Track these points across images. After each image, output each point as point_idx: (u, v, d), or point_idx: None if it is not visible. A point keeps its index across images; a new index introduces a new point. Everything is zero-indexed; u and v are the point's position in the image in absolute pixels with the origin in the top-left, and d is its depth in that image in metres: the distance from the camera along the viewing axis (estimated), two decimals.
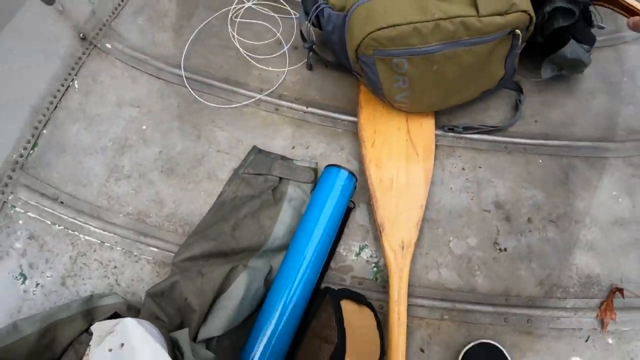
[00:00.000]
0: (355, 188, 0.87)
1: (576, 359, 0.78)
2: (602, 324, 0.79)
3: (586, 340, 0.79)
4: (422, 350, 0.79)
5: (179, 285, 0.75)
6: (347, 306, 0.73)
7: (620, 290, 0.80)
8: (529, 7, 0.80)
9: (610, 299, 0.79)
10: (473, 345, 0.76)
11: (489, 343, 0.76)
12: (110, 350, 0.64)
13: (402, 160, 0.91)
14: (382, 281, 0.84)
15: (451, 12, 0.77)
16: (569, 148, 0.93)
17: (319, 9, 0.89)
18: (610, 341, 0.78)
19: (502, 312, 0.81)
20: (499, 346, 0.75)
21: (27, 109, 0.88)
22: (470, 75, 0.87)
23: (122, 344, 0.64)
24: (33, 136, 0.87)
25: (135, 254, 0.84)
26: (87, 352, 0.69)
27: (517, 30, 0.81)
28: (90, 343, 0.69)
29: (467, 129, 0.95)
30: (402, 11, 0.78)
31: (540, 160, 0.92)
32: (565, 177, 0.90)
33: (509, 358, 0.74)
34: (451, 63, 0.82)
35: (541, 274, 0.83)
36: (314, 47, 0.98)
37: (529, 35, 0.85)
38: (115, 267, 0.83)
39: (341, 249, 0.87)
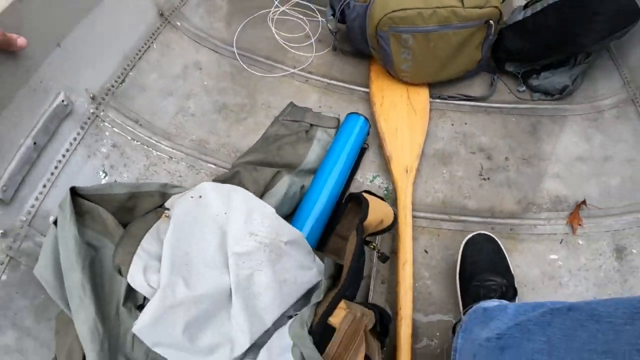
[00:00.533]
0: (369, 132, 1.13)
1: (554, 256, 0.98)
2: (572, 229, 1.01)
3: (560, 242, 1.00)
4: (426, 252, 1.00)
5: (239, 174, 0.96)
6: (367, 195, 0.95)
7: (584, 202, 1.03)
8: (498, 4, 1.12)
9: (577, 209, 1.02)
10: (473, 235, 0.95)
11: (486, 234, 0.94)
12: (191, 197, 0.85)
13: (404, 116, 1.18)
14: (392, 200, 1.07)
15: (445, 3, 1.09)
16: (536, 109, 1.22)
17: (345, 2, 1.20)
18: (580, 242, 1.00)
19: (489, 222, 1.03)
20: (494, 236, 0.93)
21: (121, 55, 1.13)
22: (456, 54, 1.17)
23: (200, 196, 0.85)
24: (122, 74, 1.11)
25: (196, 168, 1.06)
26: (166, 214, 0.89)
27: (491, 21, 1.13)
28: (167, 204, 0.88)
29: (454, 97, 1.24)
30: (410, 2, 1.09)
31: (514, 119, 1.20)
32: (534, 130, 1.18)
33: (501, 245, 0.93)
34: (443, 41, 1.13)
35: (518, 196, 1.07)
36: (336, 36, 1.28)
37: (499, 27, 1.18)
38: (180, 176, 1.04)
39: (358, 177, 1.10)
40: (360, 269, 0.78)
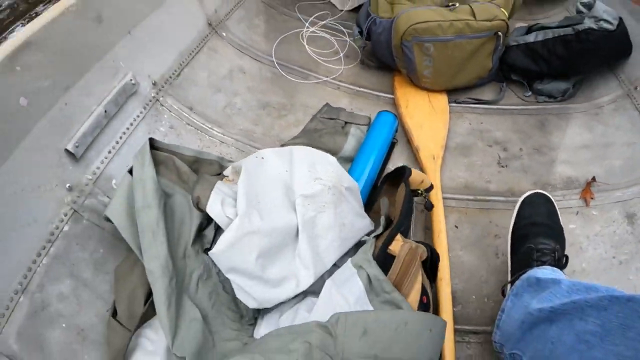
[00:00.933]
0: (397, 128, 1.26)
1: (572, 226, 1.09)
2: (586, 202, 1.12)
3: (576, 214, 1.11)
4: (456, 227, 1.11)
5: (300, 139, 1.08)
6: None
7: (594, 179, 1.15)
8: (506, 17, 1.30)
9: (588, 185, 1.14)
10: (530, 194, 0.98)
11: (544, 194, 0.98)
12: (255, 157, 0.96)
13: (427, 115, 1.32)
14: None
15: (460, 17, 1.27)
16: (543, 109, 1.37)
17: (371, 19, 1.37)
18: (594, 212, 1.11)
19: (511, 200, 1.14)
20: (552, 197, 0.97)
21: (177, 52, 1.27)
22: (470, 60, 1.33)
23: (262, 157, 0.96)
24: (177, 70, 1.25)
25: (245, 152, 1.18)
26: (230, 178, 0.99)
27: (499, 33, 1.30)
28: (225, 172, 0.98)
29: (469, 101, 1.40)
30: (430, 16, 1.27)
31: (523, 118, 1.35)
32: (542, 125, 1.32)
33: (557, 207, 0.96)
34: (459, 49, 1.30)
35: (534, 179, 1.19)
36: (362, 51, 1.45)
37: (507, 40, 1.35)
38: (231, 158, 1.15)
39: (390, 166, 1.23)
40: (410, 210, 0.90)
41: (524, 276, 0.82)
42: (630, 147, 1.20)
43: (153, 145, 0.91)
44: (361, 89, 1.43)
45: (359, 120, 1.29)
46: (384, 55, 1.41)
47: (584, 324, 0.60)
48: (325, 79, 1.43)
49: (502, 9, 1.31)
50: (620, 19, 1.30)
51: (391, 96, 1.41)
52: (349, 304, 0.72)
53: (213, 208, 0.83)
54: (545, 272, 0.80)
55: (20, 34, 0.83)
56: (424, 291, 0.77)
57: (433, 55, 1.30)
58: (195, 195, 0.86)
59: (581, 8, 1.36)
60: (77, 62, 0.96)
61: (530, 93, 1.41)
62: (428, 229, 1.08)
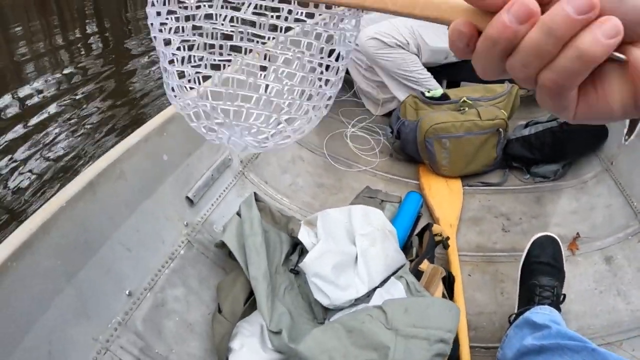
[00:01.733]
0: (422, 204, 1.63)
1: None
2: (572, 252, 1.42)
3: (565, 261, 1.38)
4: (469, 275, 1.43)
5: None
6: None
7: (578, 235, 1.46)
8: (505, 117, 1.71)
9: (574, 240, 1.45)
10: (540, 236, 1.24)
11: (551, 236, 1.23)
12: (324, 212, 1.33)
13: (445, 196, 1.69)
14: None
15: (469, 118, 1.69)
16: (539, 187, 1.71)
17: (401, 122, 1.80)
18: (579, 259, 1.40)
19: (513, 255, 1.46)
20: (558, 239, 1.23)
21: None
22: (478, 152, 1.73)
23: (329, 213, 1.33)
24: (257, 153, 1.66)
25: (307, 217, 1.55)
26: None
27: (500, 129, 1.71)
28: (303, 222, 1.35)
29: (479, 185, 1.77)
30: (446, 118, 1.69)
31: (523, 195, 1.70)
32: (538, 200, 1.67)
33: (562, 247, 1.22)
34: (469, 143, 1.70)
35: (532, 239, 1.52)
36: (393, 147, 1.86)
37: (507, 134, 1.75)
38: (300, 220, 1.53)
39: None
40: (433, 245, 1.24)
41: (526, 314, 1.07)
42: (608, 208, 1.52)
43: (256, 197, 1.29)
44: (393, 176, 1.82)
45: (392, 199, 1.66)
46: (411, 150, 1.82)
47: (562, 358, 0.90)
48: (365, 168, 1.83)
49: (503, 110, 1.73)
50: None
51: (416, 182, 1.79)
52: (394, 298, 1.05)
53: (303, 236, 1.20)
54: (543, 315, 1.04)
55: (163, 114, 1.27)
56: (443, 297, 1.10)
57: (449, 149, 1.70)
58: (290, 228, 1.24)
59: None
60: (195, 136, 1.38)
61: (528, 176, 1.78)
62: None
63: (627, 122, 1.52)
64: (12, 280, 0.78)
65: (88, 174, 0.98)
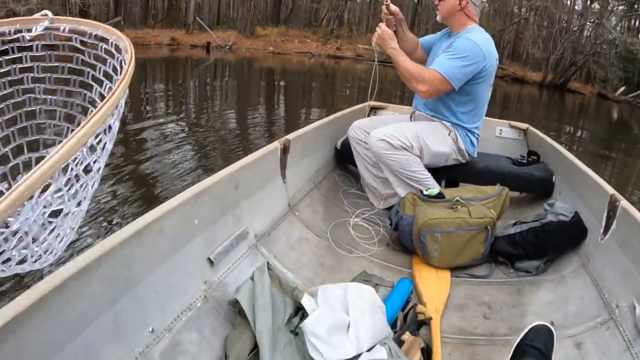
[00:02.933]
0: (412, 290, 1.80)
1: None
2: None
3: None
4: (449, 354, 1.57)
5: None
6: None
7: (552, 322, 1.56)
8: (494, 216, 1.92)
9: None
10: (537, 324, 1.40)
11: (548, 327, 1.39)
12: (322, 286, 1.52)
13: (434, 285, 1.86)
14: (428, 328, 1.68)
15: (460, 215, 1.90)
16: (522, 280, 1.86)
17: (399, 215, 2.02)
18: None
19: (492, 340, 1.58)
20: (553, 331, 1.39)
21: (270, 220, 1.93)
22: (467, 246, 1.91)
23: (326, 287, 1.52)
24: (270, 230, 1.87)
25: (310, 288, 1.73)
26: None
27: (488, 227, 1.91)
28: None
29: (466, 276, 1.93)
30: (439, 214, 1.91)
31: (506, 286, 1.85)
32: (520, 291, 1.80)
33: (554, 337, 1.37)
34: (459, 238, 1.90)
35: (509, 324, 1.64)
36: (391, 237, 2.06)
37: (495, 232, 1.95)
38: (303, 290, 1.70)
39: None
40: (415, 321, 1.40)
41: None
42: (582, 299, 1.68)
43: (268, 267, 1.49)
44: (388, 264, 2.00)
45: (385, 283, 1.83)
46: (406, 241, 2.01)
47: None
48: (364, 254, 2.02)
49: (492, 210, 1.94)
50: (576, 212, 1.90)
51: (409, 270, 1.97)
52: None
53: (305, 302, 1.39)
54: None
55: (199, 185, 1.51)
56: None
57: (441, 242, 1.89)
58: (295, 295, 1.43)
59: (547, 207, 1.99)
60: (222, 207, 1.63)
61: (512, 270, 1.95)
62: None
63: (604, 223, 1.73)
64: (69, 294, 0.97)
65: (137, 224, 1.21)
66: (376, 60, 2.44)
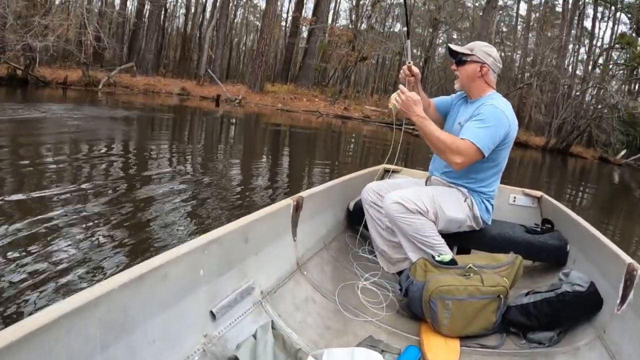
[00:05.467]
0: (420, 358, 1.73)
1: None
2: None
3: None
4: None
5: None
6: None
7: None
8: (507, 285, 1.87)
9: None
10: None
11: None
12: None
13: (443, 353, 1.78)
14: None
15: (472, 283, 1.85)
16: (534, 352, 1.77)
17: (410, 281, 1.97)
18: None
19: None
20: None
21: (277, 277, 1.90)
22: (478, 316, 1.85)
23: (332, 351, 1.47)
24: (276, 288, 1.84)
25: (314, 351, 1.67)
26: None
27: (501, 296, 1.86)
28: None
29: (475, 347, 1.86)
30: (451, 281, 1.86)
31: (517, 358, 1.78)
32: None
33: None
34: (471, 306, 1.84)
35: None
36: (400, 304, 2.01)
37: (507, 301, 1.89)
38: (307, 353, 1.64)
39: None
40: None
41: None
42: None
43: (272, 326, 1.44)
44: (396, 330, 1.93)
45: (391, 350, 1.76)
46: (416, 308, 1.95)
47: None
48: (371, 319, 1.96)
49: (505, 278, 1.89)
50: (592, 282, 1.84)
51: (417, 338, 1.90)
52: None
53: None
54: None
55: (208, 235, 1.49)
56: None
57: (451, 310, 1.84)
58: (299, 357, 1.37)
59: (562, 277, 1.93)
60: (230, 260, 1.60)
61: (524, 341, 1.86)
62: None
63: (620, 292, 1.68)
64: (60, 333, 0.94)
65: (141, 267, 1.18)
66: (394, 121, 2.43)
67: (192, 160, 6.82)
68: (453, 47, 2.38)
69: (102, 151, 6.30)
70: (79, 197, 3.91)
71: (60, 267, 2.53)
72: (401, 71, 2.45)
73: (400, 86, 2.30)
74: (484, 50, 2.31)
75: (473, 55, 2.31)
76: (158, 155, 6.65)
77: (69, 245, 2.88)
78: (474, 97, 2.39)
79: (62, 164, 5.08)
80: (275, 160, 8.36)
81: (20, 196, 3.72)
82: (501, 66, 2.41)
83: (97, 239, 3.03)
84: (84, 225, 3.23)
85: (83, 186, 4.26)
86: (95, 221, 3.34)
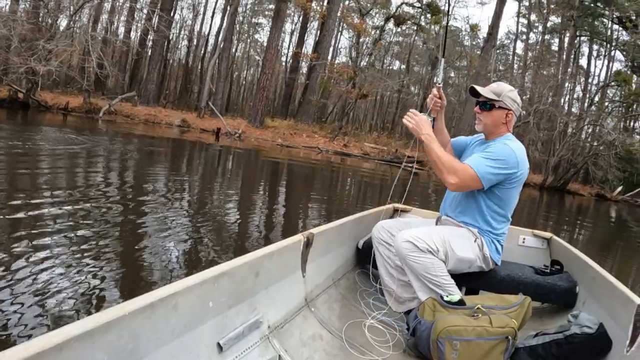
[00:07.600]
0: None
1: None
2: None
3: None
4: None
5: None
6: None
7: None
8: (515, 326, 1.86)
9: None
10: None
11: None
12: None
13: None
14: None
15: (480, 324, 1.85)
16: None
17: (418, 320, 1.96)
18: None
19: None
20: None
21: (285, 312, 1.91)
22: (486, 358, 1.83)
23: None
24: (283, 323, 1.83)
25: None
26: None
27: (509, 337, 1.85)
28: None
29: None
30: (459, 322, 1.86)
31: None
32: None
33: None
34: (478, 347, 1.82)
35: None
36: (407, 343, 2.00)
37: (516, 342, 1.88)
38: None
39: None
40: None
41: None
42: None
43: None
44: None
45: None
46: (423, 348, 1.94)
47: None
48: (377, 358, 1.94)
49: (513, 320, 1.88)
50: (601, 324, 1.83)
51: None
52: None
53: None
54: None
55: (219, 267, 1.49)
56: None
57: (459, 350, 1.83)
58: None
59: (571, 319, 1.92)
60: (239, 293, 1.60)
61: None
62: None
63: (630, 333, 1.67)
64: (68, 355, 0.93)
65: (152, 295, 1.19)
66: (404, 161, 2.45)
67: (190, 195, 6.78)
68: (479, 89, 2.36)
69: (100, 186, 6.09)
70: (72, 225, 3.86)
71: (49, 300, 2.49)
72: (430, 95, 2.47)
73: (412, 110, 2.35)
74: (510, 97, 2.32)
75: (500, 101, 2.32)
76: (155, 188, 6.54)
77: (60, 275, 2.83)
78: (490, 137, 2.42)
79: (57, 198, 4.98)
80: (272, 197, 8.23)
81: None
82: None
83: (86, 275, 2.97)
84: (75, 257, 3.17)
85: (78, 220, 4.19)
86: (85, 255, 3.27)
